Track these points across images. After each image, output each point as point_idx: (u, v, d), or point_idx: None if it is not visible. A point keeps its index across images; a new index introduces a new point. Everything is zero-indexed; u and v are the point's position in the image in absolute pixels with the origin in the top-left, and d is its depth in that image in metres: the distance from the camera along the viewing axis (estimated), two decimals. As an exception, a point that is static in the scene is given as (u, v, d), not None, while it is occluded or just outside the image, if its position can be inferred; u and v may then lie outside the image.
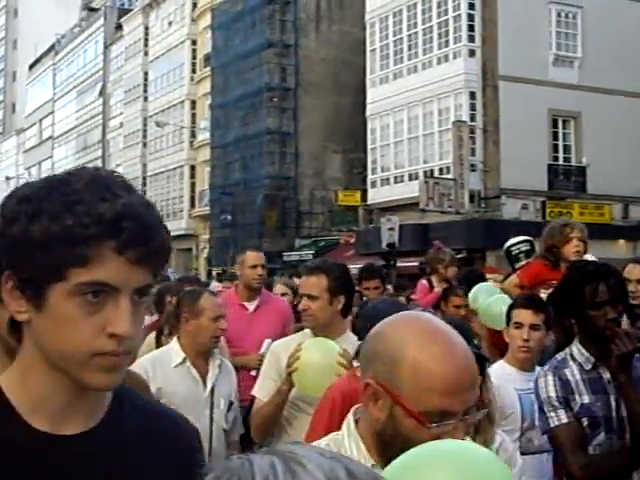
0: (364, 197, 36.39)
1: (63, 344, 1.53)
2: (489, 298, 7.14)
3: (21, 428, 1.59)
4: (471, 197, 30.51)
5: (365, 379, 2.03)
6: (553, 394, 4.05)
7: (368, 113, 35.70)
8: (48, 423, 1.61)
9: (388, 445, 1.98)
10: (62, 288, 1.51)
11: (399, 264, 25.01)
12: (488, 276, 10.13)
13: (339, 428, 4.41)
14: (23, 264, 1.52)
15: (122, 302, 1.53)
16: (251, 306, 7.37)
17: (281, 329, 7.09)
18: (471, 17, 31.37)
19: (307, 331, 4.99)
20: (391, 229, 27.43)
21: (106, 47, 66.90)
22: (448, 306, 7.76)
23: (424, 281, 9.33)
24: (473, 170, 30.72)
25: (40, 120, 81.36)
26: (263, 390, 4.92)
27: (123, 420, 1.71)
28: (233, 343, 6.89)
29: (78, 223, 1.48)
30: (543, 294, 5.97)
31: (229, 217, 43.58)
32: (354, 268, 9.02)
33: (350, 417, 2.10)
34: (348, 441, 2.08)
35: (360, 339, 4.49)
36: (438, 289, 8.70)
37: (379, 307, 4.79)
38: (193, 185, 51.99)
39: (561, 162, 32.23)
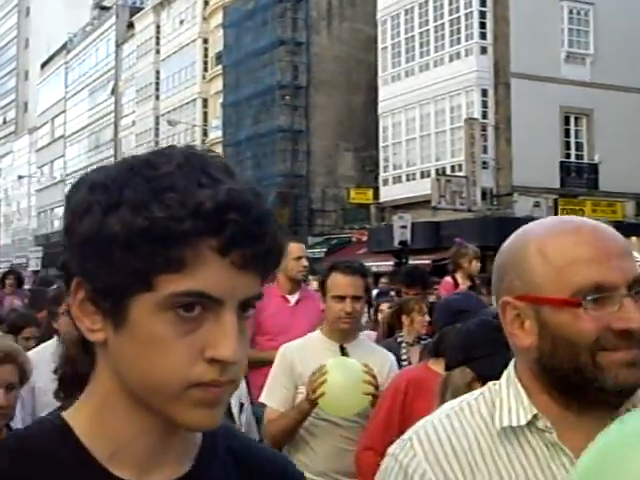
0: (376, 195, 36.41)
1: (150, 372, 1.18)
2: None
3: (101, 477, 1.24)
4: (483, 195, 30.50)
5: (499, 303, 1.70)
6: None
7: (380, 111, 35.70)
8: (132, 470, 1.26)
9: (552, 368, 1.62)
10: (149, 300, 1.16)
11: (411, 262, 24.99)
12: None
13: (401, 413, 4.41)
14: (98, 269, 1.17)
15: (226, 318, 1.18)
16: (293, 299, 7.19)
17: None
18: (483, 14, 31.35)
19: (317, 333, 4.81)
20: (403, 227, 27.48)
21: (118, 46, 67.04)
22: None
23: (449, 278, 9.12)
24: (485, 167, 30.71)
25: (52, 119, 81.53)
26: (274, 398, 4.69)
27: (219, 465, 1.35)
28: (274, 336, 6.84)
29: (170, 215, 1.13)
30: None
31: (241, 215, 43.65)
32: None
33: (510, 365, 1.75)
34: (506, 391, 1.71)
35: (432, 334, 4.48)
36: (463, 287, 8.53)
37: (449, 300, 4.84)
38: (205, 183, 52.04)
39: (573, 159, 32.18)
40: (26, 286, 22.76)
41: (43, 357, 5.46)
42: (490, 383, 1.78)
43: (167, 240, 1.13)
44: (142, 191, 1.15)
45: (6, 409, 3.59)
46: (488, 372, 2.60)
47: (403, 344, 6.67)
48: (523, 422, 1.64)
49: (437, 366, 4.38)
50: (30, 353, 5.57)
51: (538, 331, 1.63)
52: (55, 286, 9.82)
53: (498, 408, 1.68)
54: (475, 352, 3.03)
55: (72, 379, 1.35)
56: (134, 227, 1.13)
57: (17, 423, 5.23)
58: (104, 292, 1.19)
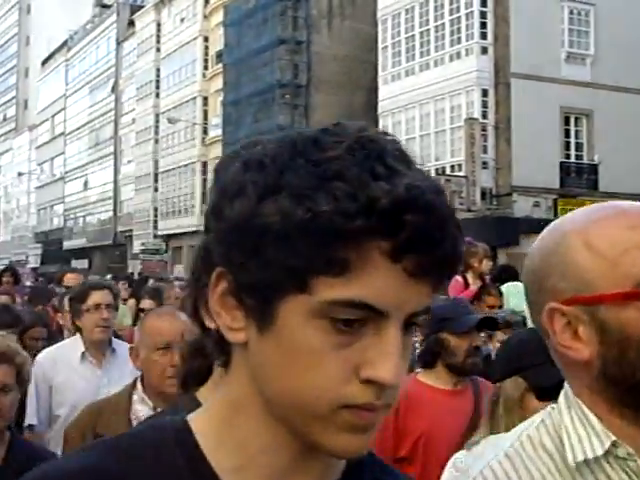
0: (376, 194, 36.37)
1: (295, 386, 1.02)
2: (522, 300, 6.98)
3: None
4: (483, 194, 30.49)
5: (544, 312, 1.43)
6: None
7: (380, 110, 35.69)
8: None
9: (623, 378, 1.37)
10: (303, 304, 1.00)
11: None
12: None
13: (395, 429, 4.31)
14: (245, 261, 1.02)
15: (389, 334, 1.00)
16: None
17: None
18: (483, 14, 31.33)
19: None
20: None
21: (118, 43, 67.01)
22: (482, 306, 7.40)
23: (458, 278, 8.77)
24: (485, 167, 30.70)
25: (52, 116, 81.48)
26: None
27: None
28: None
29: (338, 210, 0.96)
30: None
31: (240, 214, 43.63)
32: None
33: (566, 385, 1.48)
34: (569, 416, 1.43)
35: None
36: (473, 287, 8.43)
37: (434, 307, 4.82)
38: (205, 181, 51.99)
39: (573, 160, 32.17)
40: (27, 282, 22.83)
41: (61, 354, 5.45)
42: (548, 408, 1.52)
43: (332, 238, 0.96)
44: (306, 176, 0.99)
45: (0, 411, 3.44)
46: (542, 381, 2.53)
47: (417, 343, 6.69)
48: (600, 452, 1.37)
49: (426, 378, 4.35)
50: (49, 349, 5.58)
51: (598, 337, 1.38)
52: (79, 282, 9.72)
53: (566, 440, 1.41)
54: (527, 361, 2.88)
55: (191, 375, 1.15)
56: (294, 219, 0.97)
57: (32, 419, 5.25)
58: (250, 288, 1.03)
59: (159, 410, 3.64)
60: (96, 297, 5.40)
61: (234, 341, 1.07)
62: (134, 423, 3.61)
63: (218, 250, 1.05)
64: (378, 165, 0.99)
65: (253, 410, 1.08)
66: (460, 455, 2.85)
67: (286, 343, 1.01)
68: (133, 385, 3.87)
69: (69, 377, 5.29)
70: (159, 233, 55.80)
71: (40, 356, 5.42)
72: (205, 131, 52.39)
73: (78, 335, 5.47)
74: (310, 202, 0.97)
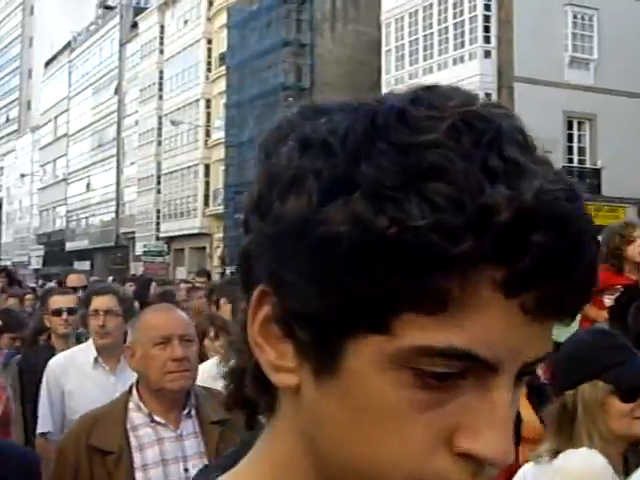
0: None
1: (364, 453, 0.72)
2: None
3: None
4: (485, 198, 30.47)
5: None
6: None
7: (383, 113, 35.70)
8: None
9: None
10: (378, 348, 0.69)
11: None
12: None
13: None
14: (299, 282, 0.71)
15: (499, 393, 0.70)
16: None
17: None
18: (487, 18, 31.32)
19: None
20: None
21: (122, 45, 67.07)
22: None
23: None
24: (487, 171, 30.70)
25: (55, 117, 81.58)
26: None
27: None
28: None
29: (437, 225, 0.65)
30: (607, 300, 5.77)
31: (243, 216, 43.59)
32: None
33: None
34: None
35: None
36: None
37: None
38: (207, 184, 52.05)
39: (576, 164, 32.13)
40: (30, 284, 22.76)
41: (73, 360, 5.39)
42: None
43: (426, 262, 0.66)
44: (390, 170, 0.68)
45: None
46: (629, 381, 2.47)
47: None
48: None
49: None
50: (61, 355, 5.53)
51: None
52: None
53: None
54: (607, 362, 2.68)
55: (237, 392, 0.84)
56: (372, 232, 0.67)
57: (45, 427, 5.20)
58: (304, 318, 0.72)
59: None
60: (96, 303, 5.33)
61: (280, 384, 0.77)
62: (130, 433, 3.48)
63: (261, 261, 0.75)
64: (493, 157, 0.68)
65: (302, 475, 0.79)
66: (530, 468, 2.72)
67: (352, 397, 0.72)
68: (129, 392, 3.65)
69: (82, 383, 5.19)
70: (161, 235, 55.83)
71: (52, 362, 5.35)
72: (208, 133, 52.43)
73: (91, 340, 5.39)
74: (396, 209, 0.66)
